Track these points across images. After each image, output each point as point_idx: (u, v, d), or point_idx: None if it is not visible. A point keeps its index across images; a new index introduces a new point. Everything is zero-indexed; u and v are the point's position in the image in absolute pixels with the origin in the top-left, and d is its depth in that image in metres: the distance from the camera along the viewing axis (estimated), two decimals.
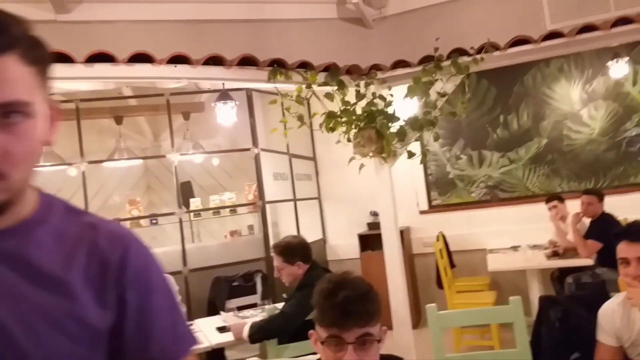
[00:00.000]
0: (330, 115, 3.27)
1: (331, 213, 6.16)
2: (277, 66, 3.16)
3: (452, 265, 5.34)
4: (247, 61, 3.15)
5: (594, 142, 5.33)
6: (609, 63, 4.94)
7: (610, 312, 1.82)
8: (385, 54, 3.61)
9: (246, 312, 3.29)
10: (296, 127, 3.30)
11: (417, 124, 3.40)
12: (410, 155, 3.37)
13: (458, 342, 4.16)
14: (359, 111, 3.40)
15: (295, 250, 2.61)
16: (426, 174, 5.95)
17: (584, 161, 5.36)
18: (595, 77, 5.32)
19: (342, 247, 5.98)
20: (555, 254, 4.23)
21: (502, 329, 3.89)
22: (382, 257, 4.77)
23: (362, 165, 3.39)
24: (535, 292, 4.07)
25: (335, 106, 3.28)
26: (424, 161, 3.35)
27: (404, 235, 5.59)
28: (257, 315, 3.07)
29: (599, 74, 5.27)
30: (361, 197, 5.64)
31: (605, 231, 4.03)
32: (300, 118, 3.23)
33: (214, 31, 3.69)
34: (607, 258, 3.86)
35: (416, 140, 3.45)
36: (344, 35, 3.97)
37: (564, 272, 4.26)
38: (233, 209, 4.97)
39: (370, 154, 3.46)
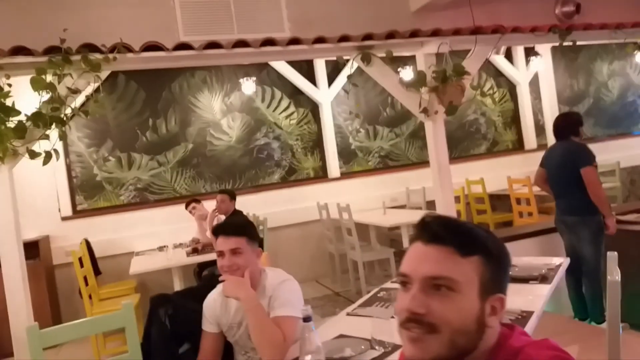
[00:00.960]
0: None
1: None
2: None
3: (98, 273, 5.05)
4: None
5: (232, 149, 6.00)
6: (241, 80, 5.64)
7: (212, 301, 2.03)
8: (4, 37, 3.10)
9: None
10: None
11: (43, 120, 3.04)
12: (33, 155, 2.98)
13: (100, 352, 3.95)
14: None
15: None
16: (70, 177, 5.47)
17: (224, 165, 5.96)
18: (233, 91, 6.01)
19: None
20: (195, 251, 4.52)
21: None
22: None
23: None
24: (179, 288, 4.25)
25: None
26: (46, 162, 3.00)
27: (43, 244, 4.99)
28: None
29: (236, 89, 5.96)
30: None
31: None
32: None
33: None
34: None
35: (42, 138, 3.07)
36: None
37: (202, 266, 4.61)
38: None
39: None
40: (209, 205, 4.96)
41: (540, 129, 7.29)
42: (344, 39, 3.73)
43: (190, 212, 4.94)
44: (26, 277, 3.09)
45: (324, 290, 5.52)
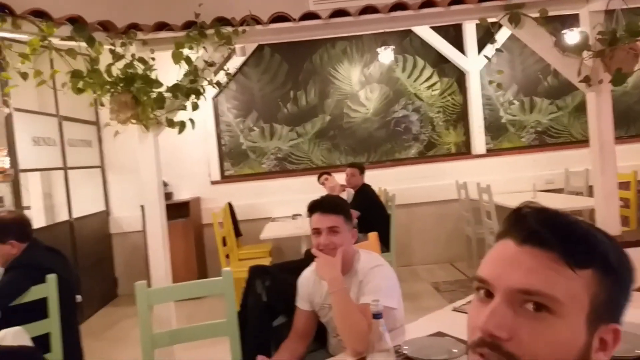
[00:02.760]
0: (76, 75, 2.94)
1: (116, 183, 5.73)
2: (2, 12, 2.70)
3: (239, 234, 5.43)
4: None
5: (369, 121, 5.87)
6: (378, 49, 5.42)
7: (305, 279, 1.97)
8: (148, 14, 3.37)
9: None
10: (34, 85, 2.89)
11: (181, 92, 3.26)
12: (171, 124, 3.22)
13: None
14: (115, 73, 3.12)
15: (6, 227, 2.30)
16: (220, 145, 5.90)
17: (359, 137, 5.87)
18: (372, 61, 5.82)
19: (128, 219, 5.64)
20: None
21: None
22: (173, 228, 4.62)
23: (116, 133, 3.14)
24: None
25: (82, 65, 2.96)
26: (181, 131, 3.21)
27: (194, 205, 5.51)
28: None
29: (375, 59, 5.76)
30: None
31: (362, 201, 4.48)
32: (37, 74, 2.83)
33: None
34: (363, 225, 4.29)
35: (180, 109, 3.30)
36: None
37: None
38: None
39: (132, 121, 3.22)
40: (340, 177, 4.94)
41: None
42: None
43: (322, 183, 4.98)
44: (167, 236, 3.40)
45: (458, 275, 5.17)
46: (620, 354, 1.31)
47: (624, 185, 4.56)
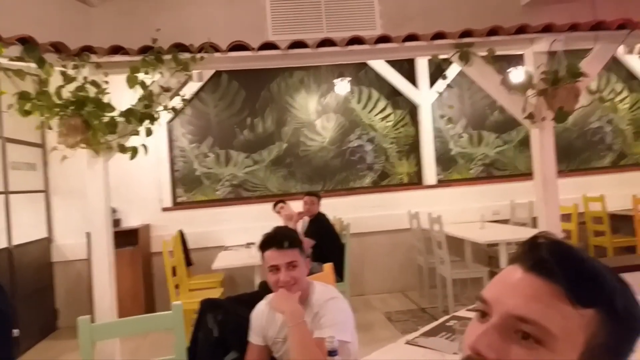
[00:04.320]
0: (24, 97, 2.83)
1: (61, 208, 5.48)
2: None
3: (190, 264, 5.28)
4: None
5: (325, 150, 5.93)
6: (335, 80, 5.53)
7: (259, 312, 1.93)
8: (105, 36, 3.31)
9: None
10: None
11: (136, 117, 3.19)
12: (122, 150, 3.14)
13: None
14: (65, 96, 3.02)
15: None
16: (172, 170, 5.78)
17: (315, 166, 5.91)
18: (329, 92, 5.92)
19: (71, 246, 5.38)
20: None
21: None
22: (120, 256, 4.43)
23: (64, 157, 3.03)
24: None
25: (31, 86, 2.85)
26: (133, 157, 3.13)
27: (143, 232, 5.33)
28: None
29: (332, 89, 5.87)
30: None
31: (318, 229, 4.49)
32: None
33: None
34: (317, 254, 4.28)
35: (133, 134, 3.23)
36: (62, 8, 3.51)
37: None
38: None
39: (81, 145, 3.11)
40: (296, 205, 4.93)
41: None
42: (439, 36, 3.44)
43: (277, 212, 4.95)
44: (113, 264, 3.26)
45: (410, 304, 5.21)
46: None
47: (566, 217, 4.80)
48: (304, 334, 1.67)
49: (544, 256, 0.67)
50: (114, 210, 5.22)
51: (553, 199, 3.70)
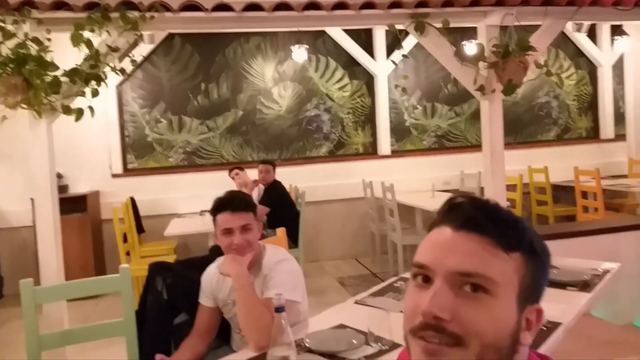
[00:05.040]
0: None
1: (3, 173, 5.23)
2: None
3: (142, 231, 5.19)
4: None
5: (281, 118, 5.89)
6: (292, 47, 5.46)
7: (209, 275, 1.93)
8: None
9: None
10: None
11: (81, 77, 3.05)
12: (66, 111, 3.01)
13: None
14: (5, 52, 2.85)
15: None
16: (123, 136, 5.60)
17: (272, 134, 5.87)
18: (286, 59, 5.84)
19: (15, 213, 5.17)
20: None
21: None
22: (68, 223, 4.30)
23: (4, 118, 2.88)
24: None
25: None
26: (78, 119, 3.01)
27: (92, 199, 5.18)
28: None
29: (289, 57, 5.79)
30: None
31: (273, 197, 4.50)
32: None
33: None
34: (272, 221, 4.30)
35: (78, 95, 3.09)
36: None
37: None
38: None
39: (22, 106, 2.96)
40: (251, 173, 4.90)
41: (619, 117, 6.57)
42: (395, 5, 3.44)
43: (232, 178, 4.90)
44: (59, 231, 3.16)
45: (362, 270, 5.36)
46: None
47: (511, 187, 5.02)
48: (249, 295, 1.69)
49: (470, 213, 0.72)
50: (60, 176, 5.02)
51: (500, 169, 3.84)
